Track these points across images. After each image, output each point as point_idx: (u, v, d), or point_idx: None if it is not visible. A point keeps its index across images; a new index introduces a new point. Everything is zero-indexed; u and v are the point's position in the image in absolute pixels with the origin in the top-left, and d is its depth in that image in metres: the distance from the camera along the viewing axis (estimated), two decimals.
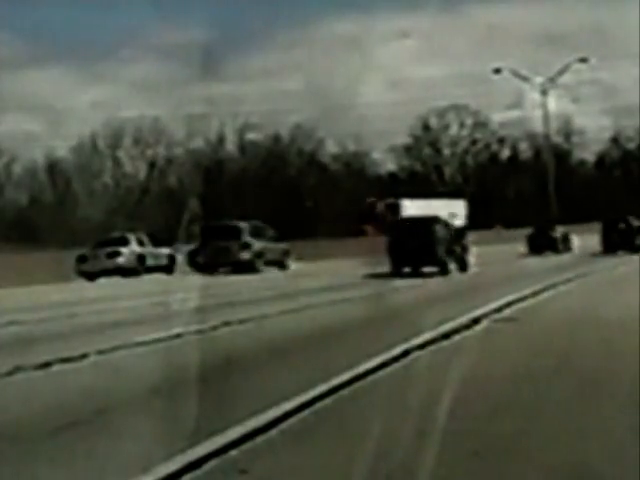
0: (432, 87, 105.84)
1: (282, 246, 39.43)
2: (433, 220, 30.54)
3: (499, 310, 15.16)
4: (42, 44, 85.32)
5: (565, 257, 42.36)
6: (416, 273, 28.72)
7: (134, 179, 76.45)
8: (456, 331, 12.20)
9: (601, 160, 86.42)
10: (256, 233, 38.02)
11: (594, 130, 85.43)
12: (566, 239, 48.75)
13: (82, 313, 19.00)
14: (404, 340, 11.01)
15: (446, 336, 11.68)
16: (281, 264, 38.72)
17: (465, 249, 30.89)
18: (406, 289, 23.56)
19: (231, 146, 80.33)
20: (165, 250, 41.15)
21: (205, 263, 36.28)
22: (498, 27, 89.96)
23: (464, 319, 13.46)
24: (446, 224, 30.98)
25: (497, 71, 65.26)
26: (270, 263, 37.78)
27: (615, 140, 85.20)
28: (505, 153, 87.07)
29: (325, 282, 27.07)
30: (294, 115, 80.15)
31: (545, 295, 18.76)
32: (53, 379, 9.97)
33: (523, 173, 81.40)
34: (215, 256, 36.19)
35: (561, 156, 79.51)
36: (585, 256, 39.99)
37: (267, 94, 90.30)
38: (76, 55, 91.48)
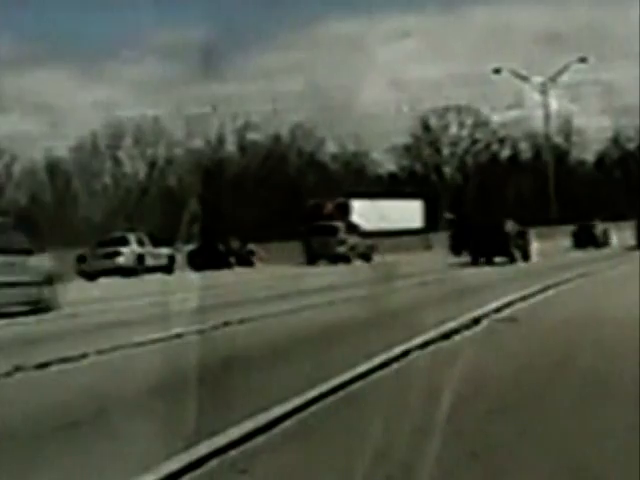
0: (432, 87, 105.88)
1: (368, 242, 45.39)
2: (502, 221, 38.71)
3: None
4: (42, 44, 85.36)
5: (605, 251, 48.93)
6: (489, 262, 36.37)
7: (134, 179, 76.41)
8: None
9: (601, 160, 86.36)
10: (350, 230, 44.93)
11: (594, 130, 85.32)
12: (606, 235, 55.00)
13: (82, 313, 18.99)
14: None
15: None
16: (367, 257, 44.11)
17: (527, 243, 38.88)
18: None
19: (231, 146, 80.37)
20: (165, 250, 41.22)
21: (309, 255, 43.12)
22: (498, 27, 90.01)
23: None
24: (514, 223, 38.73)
25: (497, 71, 65.35)
26: (359, 256, 43.58)
27: (615, 140, 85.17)
28: (505, 153, 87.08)
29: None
30: (294, 115, 79.98)
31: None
32: (53, 379, 9.97)
33: (523, 173, 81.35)
34: (317, 250, 42.93)
35: (561, 156, 79.50)
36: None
37: (267, 94, 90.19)
38: (76, 55, 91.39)
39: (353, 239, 44.58)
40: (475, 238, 37.29)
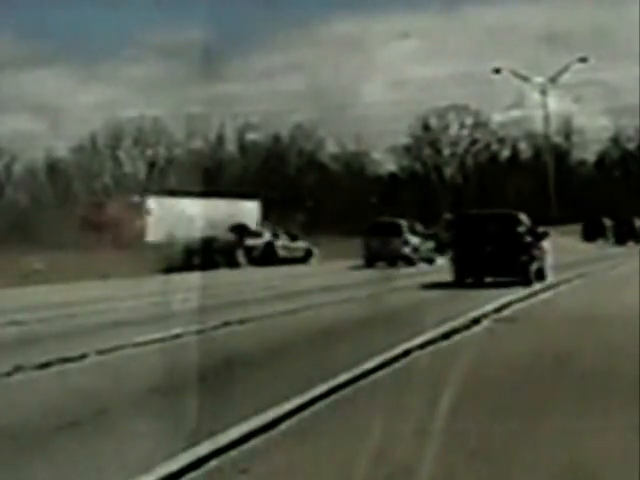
0: (432, 87, 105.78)
1: (430, 243, 42.68)
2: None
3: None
4: (42, 44, 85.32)
5: None
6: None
7: (134, 179, 76.39)
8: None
9: (601, 160, 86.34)
10: (412, 231, 41.93)
11: (594, 130, 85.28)
12: None
13: (82, 313, 18.98)
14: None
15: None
16: (430, 260, 41.42)
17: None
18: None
19: (231, 146, 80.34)
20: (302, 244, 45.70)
21: (369, 256, 39.63)
22: (498, 27, 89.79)
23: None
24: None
25: (497, 71, 65.30)
26: (422, 259, 41.10)
27: (615, 140, 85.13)
28: (505, 153, 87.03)
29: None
30: (294, 115, 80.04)
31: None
32: (53, 379, 9.97)
33: (523, 173, 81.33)
34: (377, 250, 39.76)
35: (561, 156, 79.49)
36: None
37: (267, 94, 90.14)
38: (76, 55, 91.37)
39: (417, 240, 42.08)
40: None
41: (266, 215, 55.07)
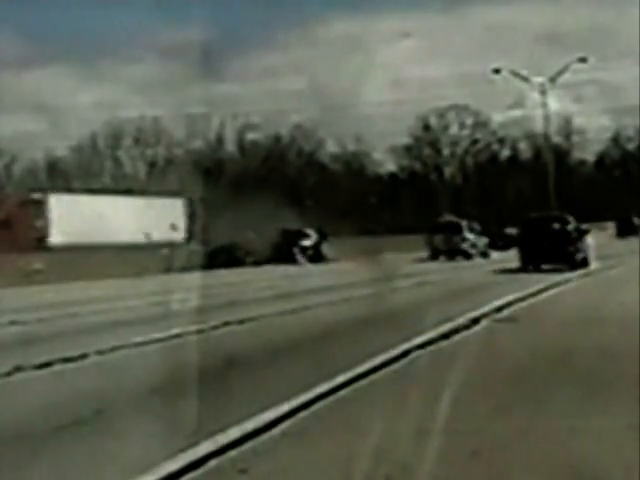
0: (432, 87, 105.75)
1: (484, 240, 48.14)
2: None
3: None
4: (42, 44, 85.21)
5: None
6: None
7: (134, 179, 76.39)
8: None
9: (601, 160, 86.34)
10: (470, 229, 47.66)
11: (594, 130, 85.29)
12: None
13: (82, 313, 18.98)
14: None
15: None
16: (485, 254, 46.71)
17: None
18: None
19: (231, 146, 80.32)
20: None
21: (433, 251, 45.47)
22: (498, 27, 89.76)
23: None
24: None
25: (497, 71, 65.23)
26: (479, 253, 46.42)
27: (615, 140, 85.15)
28: (505, 153, 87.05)
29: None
30: (294, 115, 79.93)
31: None
32: (53, 379, 9.97)
33: (523, 173, 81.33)
34: (440, 246, 45.48)
35: (561, 156, 79.47)
36: None
37: (267, 94, 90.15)
38: (76, 55, 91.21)
39: (474, 237, 47.48)
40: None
41: (193, 214, 51.02)
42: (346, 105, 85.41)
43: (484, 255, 46.59)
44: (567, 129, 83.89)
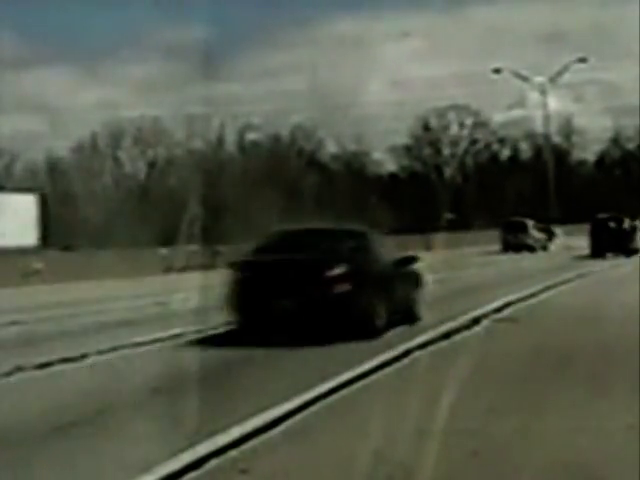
0: (432, 87, 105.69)
1: (544, 235, 56.43)
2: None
3: None
4: (42, 44, 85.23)
5: None
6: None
7: (134, 179, 76.37)
8: None
9: (601, 160, 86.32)
10: (534, 227, 55.98)
11: (594, 130, 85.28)
12: None
13: (82, 313, 18.98)
14: None
15: None
16: (545, 247, 55.19)
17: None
18: None
19: (231, 146, 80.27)
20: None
21: (505, 245, 53.71)
22: (498, 27, 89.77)
23: None
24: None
25: (497, 71, 65.20)
26: (540, 247, 54.70)
27: (615, 140, 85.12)
28: (505, 153, 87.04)
29: None
30: (294, 115, 79.93)
31: None
32: (53, 379, 9.97)
33: (523, 173, 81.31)
34: (510, 241, 53.58)
35: (561, 156, 79.45)
36: None
37: (267, 94, 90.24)
38: (76, 55, 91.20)
39: (537, 234, 56.07)
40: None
41: (45, 212, 45.79)
42: (346, 105, 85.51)
43: (544, 249, 55.07)
44: (567, 129, 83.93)
